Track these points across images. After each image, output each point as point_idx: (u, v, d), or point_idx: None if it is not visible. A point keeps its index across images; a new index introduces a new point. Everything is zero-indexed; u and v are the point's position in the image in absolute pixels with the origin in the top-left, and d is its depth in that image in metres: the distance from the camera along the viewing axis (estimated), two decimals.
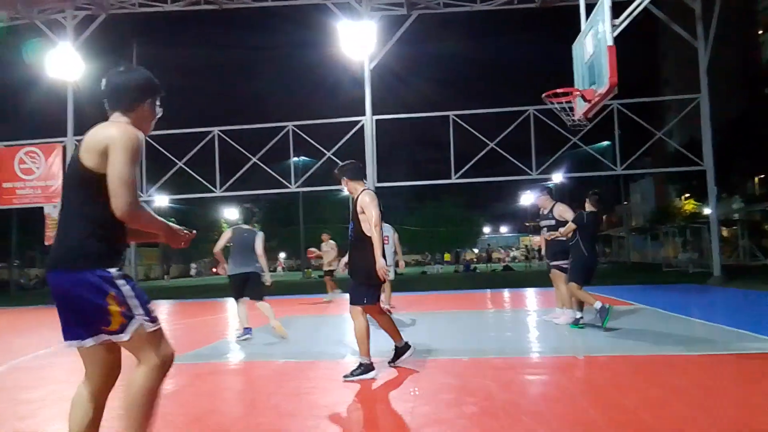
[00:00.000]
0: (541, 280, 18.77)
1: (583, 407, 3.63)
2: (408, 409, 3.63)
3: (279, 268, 56.29)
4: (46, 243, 17.56)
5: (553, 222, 7.46)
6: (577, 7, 8.19)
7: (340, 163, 5.02)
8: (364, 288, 4.67)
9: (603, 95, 6.97)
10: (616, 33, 6.67)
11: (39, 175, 17.23)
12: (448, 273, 34.15)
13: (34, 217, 22.56)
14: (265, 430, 3.32)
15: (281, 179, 17.46)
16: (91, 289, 2.17)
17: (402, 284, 19.31)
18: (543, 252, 8.04)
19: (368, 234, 4.61)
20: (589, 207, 7.00)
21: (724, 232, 31.25)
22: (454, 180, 16.67)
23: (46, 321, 11.55)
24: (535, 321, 8.18)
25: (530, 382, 4.37)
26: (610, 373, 4.64)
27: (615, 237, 52.60)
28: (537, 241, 8.35)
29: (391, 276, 8.79)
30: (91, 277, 2.17)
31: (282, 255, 65.45)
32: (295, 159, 18.40)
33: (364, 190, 4.80)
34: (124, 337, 2.22)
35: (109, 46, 20.10)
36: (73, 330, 2.24)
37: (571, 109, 8.14)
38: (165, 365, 2.34)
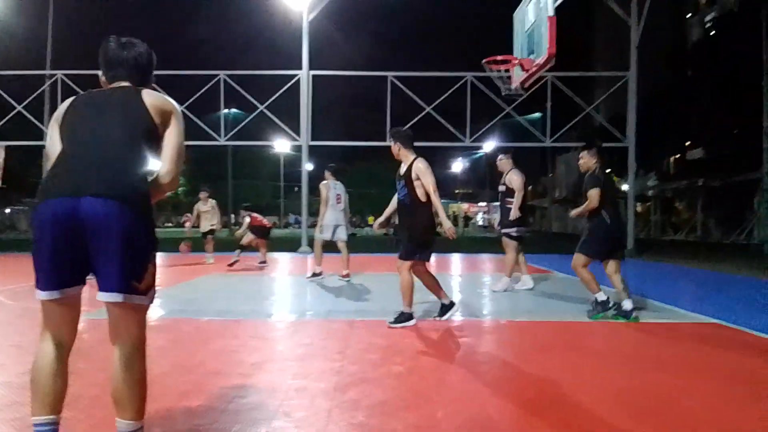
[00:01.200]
0: (466, 245, 19.25)
1: (507, 367, 3.76)
2: (336, 368, 3.63)
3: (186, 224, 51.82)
4: None
5: (503, 188, 7.36)
6: None
7: (394, 128, 5.40)
8: (416, 247, 4.98)
9: (540, 65, 7.07)
10: (557, 3, 6.73)
11: None
12: (378, 236, 34.42)
13: None
14: (190, 388, 3.22)
15: (210, 131, 16.80)
16: (148, 236, 2.04)
17: (332, 245, 19.29)
18: (495, 219, 8.08)
19: (422, 199, 4.95)
20: (593, 162, 5.63)
21: (639, 208, 33.07)
22: (389, 143, 16.61)
23: None
24: (458, 285, 8.38)
25: (455, 344, 4.48)
26: (530, 336, 4.83)
27: (539, 207, 54.59)
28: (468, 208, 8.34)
29: (345, 237, 8.86)
30: (151, 226, 2.06)
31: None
32: (226, 111, 17.72)
33: (417, 157, 5.13)
34: (146, 300, 2.06)
35: None
36: (99, 276, 1.97)
37: (509, 77, 8.21)
38: (145, 341, 2.14)
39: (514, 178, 7.23)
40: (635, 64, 15.91)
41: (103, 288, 1.97)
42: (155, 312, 6.00)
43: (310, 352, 4.08)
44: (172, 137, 2.19)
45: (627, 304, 5.25)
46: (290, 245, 17.25)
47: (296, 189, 49.95)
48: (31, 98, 16.58)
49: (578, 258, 5.50)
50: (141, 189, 2.04)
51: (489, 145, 21.32)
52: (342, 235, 8.78)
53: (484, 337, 4.79)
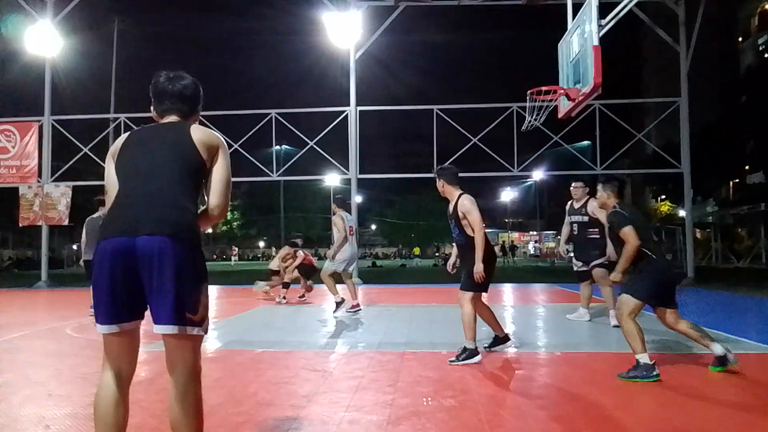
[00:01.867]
0: (517, 277, 18.97)
1: (561, 403, 3.68)
2: (388, 401, 3.64)
3: (233, 258, 50.78)
4: (20, 224, 17.22)
5: (585, 219, 6.91)
6: (565, 5, 8.23)
7: (439, 166, 5.35)
8: (476, 281, 4.84)
9: (587, 95, 7.03)
10: (602, 33, 6.72)
11: (14, 154, 16.85)
12: (427, 267, 34.29)
13: (7, 197, 22.06)
14: (244, 419, 3.30)
15: (263, 167, 17.32)
16: (199, 269, 2.13)
17: (381, 276, 19.39)
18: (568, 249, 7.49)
19: (472, 236, 4.90)
20: (611, 200, 4.79)
21: (698, 235, 31.87)
22: (435, 174, 16.69)
23: (20, 303, 11.36)
24: (511, 316, 8.26)
25: (508, 377, 4.42)
26: (586, 369, 4.71)
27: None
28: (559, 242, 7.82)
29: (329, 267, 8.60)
30: (201, 259, 2.16)
31: (261, 243, 65.11)
32: (277, 147, 18.27)
33: (462, 194, 5.09)
34: (200, 331, 2.14)
35: (88, 23, 19.70)
36: (154, 309, 2.07)
37: (541, 108, 8.13)
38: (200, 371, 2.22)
39: (598, 204, 5.87)
40: (686, 90, 15.59)
41: (158, 321, 2.06)
42: (211, 344, 6.17)
43: (362, 384, 4.11)
44: (219, 171, 2.30)
45: (717, 349, 4.35)
46: (339, 276, 17.39)
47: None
48: (96, 140, 17.52)
49: (626, 302, 4.38)
50: (190, 224, 2.14)
51: (538, 174, 21.11)
52: (353, 268, 8.73)
53: (539, 370, 4.70)
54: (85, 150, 17.22)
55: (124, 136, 2.36)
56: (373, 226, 63.10)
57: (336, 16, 15.75)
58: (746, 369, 4.60)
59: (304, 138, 17.16)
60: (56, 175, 17.27)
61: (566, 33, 8.08)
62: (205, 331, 2.17)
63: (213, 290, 14.62)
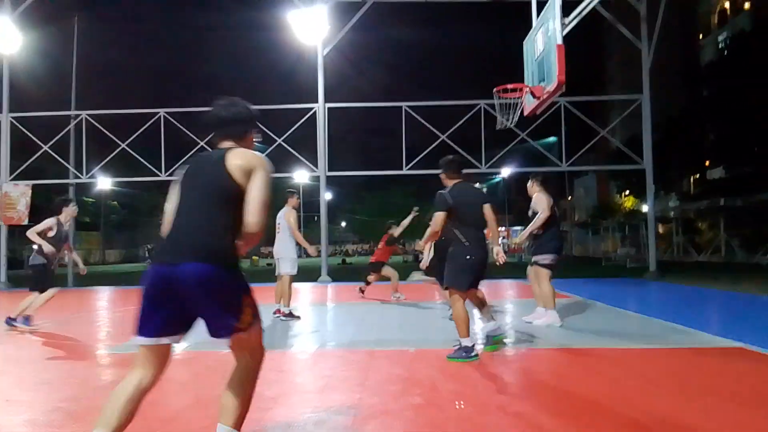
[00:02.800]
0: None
1: (524, 397, 3.74)
2: (355, 400, 3.64)
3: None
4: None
5: (531, 213, 6.98)
6: (529, 3, 8.32)
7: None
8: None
9: (551, 93, 7.12)
10: (565, 32, 6.81)
11: None
12: (397, 262, 34.36)
13: None
14: (209, 423, 3.26)
15: None
16: (239, 285, 2.40)
17: (351, 273, 19.35)
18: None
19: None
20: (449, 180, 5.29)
21: (661, 229, 32.68)
22: (405, 171, 16.73)
23: None
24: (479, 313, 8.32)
25: (473, 373, 4.45)
26: (550, 364, 4.79)
27: None
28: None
29: (290, 270, 7.79)
30: (237, 275, 2.40)
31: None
32: None
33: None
34: (252, 331, 2.45)
35: (48, 19, 19.12)
36: (207, 326, 2.39)
37: (510, 106, 8.22)
38: (263, 360, 2.62)
39: (538, 201, 6.73)
40: (648, 87, 15.92)
41: (212, 335, 2.40)
42: (178, 345, 6.07)
43: (330, 384, 4.10)
44: (253, 190, 2.44)
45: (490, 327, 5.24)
46: (310, 275, 17.30)
47: (315, 218, 50.15)
48: (56, 138, 17.05)
49: (450, 291, 4.93)
50: (226, 248, 2.38)
51: (506, 171, 21.33)
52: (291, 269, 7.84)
53: (505, 366, 4.76)
54: (45, 148, 16.75)
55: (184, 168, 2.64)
56: (343, 223, 62.91)
57: (302, 11, 15.62)
58: (706, 362, 4.74)
59: (272, 135, 16.99)
60: (15, 174, 16.76)
61: (531, 31, 8.17)
62: (256, 330, 2.50)
63: None
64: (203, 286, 2.27)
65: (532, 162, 19.30)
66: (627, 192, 43.68)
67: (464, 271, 4.83)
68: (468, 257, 4.83)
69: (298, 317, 7.81)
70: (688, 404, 3.47)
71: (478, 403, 3.59)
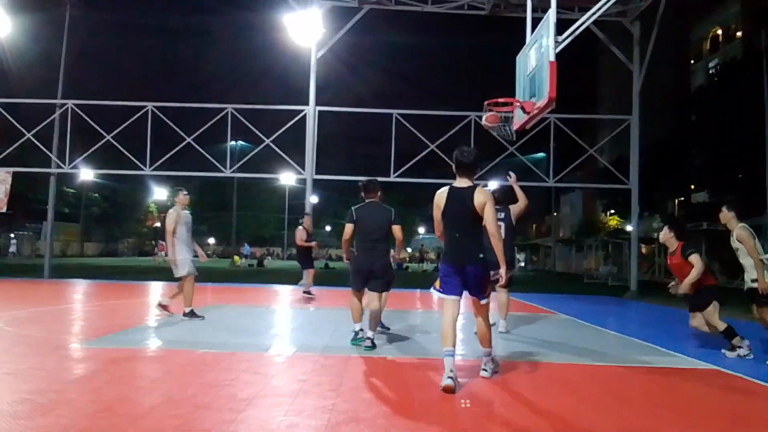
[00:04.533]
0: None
1: (497, 410, 3.72)
2: (328, 405, 3.59)
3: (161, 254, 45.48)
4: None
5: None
6: (524, 19, 8.36)
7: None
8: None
9: (541, 108, 7.14)
10: (558, 49, 6.85)
11: None
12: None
13: None
14: (180, 422, 3.20)
15: (216, 163, 16.95)
16: (487, 273, 4.40)
17: (333, 278, 19.25)
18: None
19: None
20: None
21: (643, 249, 32.93)
22: (392, 178, 16.70)
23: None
24: (461, 325, 8.31)
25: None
26: (525, 378, 4.77)
27: (542, 246, 54.37)
28: None
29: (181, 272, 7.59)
30: (487, 268, 4.37)
31: (211, 240, 63.80)
32: (233, 143, 17.92)
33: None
34: (485, 300, 4.43)
35: (39, 4, 18.85)
36: (473, 292, 4.39)
37: (508, 119, 8.27)
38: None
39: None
40: (637, 109, 16.10)
41: (477, 296, 4.42)
42: (151, 343, 5.99)
43: (304, 389, 4.05)
44: (488, 218, 4.24)
45: (368, 333, 5.72)
46: (292, 278, 17.19)
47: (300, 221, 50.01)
48: (40, 126, 16.82)
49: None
50: (479, 252, 4.30)
51: (492, 184, 21.40)
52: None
53: (481, 379, 4.73)
54: (29, 135, 16.48)
55: (444, 191, 4.37)
56: (328, 228, 62.72)
57: (297, 14, 15.59)
58: (683, 384, 4.76)
59: (261, 135, 16.89)
60: None
61: (524, 46, 8.21)
62: (489, 298, 4.49)
63: (153, 287, 14.28)
64: (472, 275, 4.27)
65: (520, 176, 19.30)
66: (612, 211, 44.06)
67: (352, 273, 5.93)
68: (353, 264, 5.93)
69: (202, 317, 7.62)
70: (662, 424, 3.47)
71: (450, 414, 3.56)
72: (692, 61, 44.46)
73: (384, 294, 5.99)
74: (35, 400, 3.52)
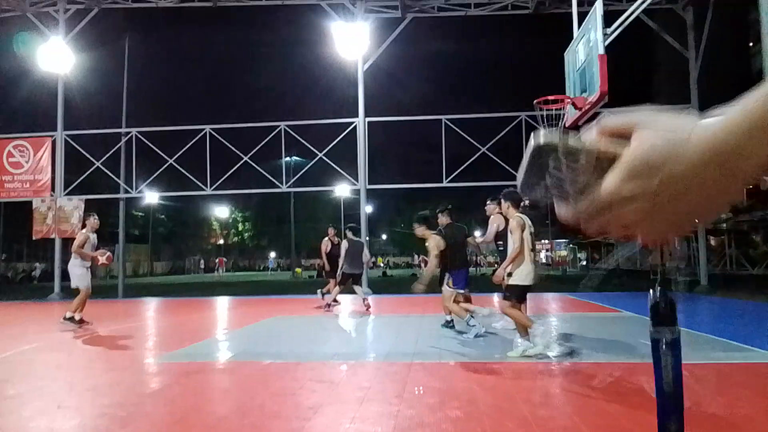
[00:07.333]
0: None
1: (566, 413, 3.66)
2: (393, 412, 3.64)
3: (220, 269, 47.49)
4: (34, 237, 17.42)
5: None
6: (570, 14, 8.25)
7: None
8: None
9: (593, 103, 7.03)
10: (607, 42, 6.73)
11: (27, 169, 17.07)
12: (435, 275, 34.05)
13: (21, 211, 22.33)
14: (250, 430, 3.32)
15: (272, 179, 17.42)
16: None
17: (392, 285, 19.35)
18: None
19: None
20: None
21: (712, 242, 31.49)
22: (445, 184, 16.68)
23: (32, 316, 11.46)
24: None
25: (513, 387, 4.39)
26: (594, 379, 4.68)
27: (604, 243, 52.70)
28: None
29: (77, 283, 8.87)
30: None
31: (272, 254, 65.25)
32: (287, 159, 18.37)
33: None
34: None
35: (100, 40, 19.97)
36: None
37: (559, 117, 8.17)
38: None
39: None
40: (696, 98, 15.50)
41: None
42: (220, 356, 6.21)
43: (368, 395, 4.11)
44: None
45: None
46: (348, 287, 17.37)
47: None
48: (108, 154, 17.74)
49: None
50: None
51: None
52: None
53: (546, 379, 4.68)
54: (98, 164, 17.41)
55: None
56: (384, 236, 63.07)
57: (343, 27, 15.87)
58: (755, 378, 4.56)
59: (313, 149, 17.25)
60: (69, 189, 17.47)
61: (572, 42, 8.10)
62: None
63: (222, 302, 14.70)
64: None
65: None
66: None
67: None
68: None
69: (80, 323, 8.41)
70: (739, 421, 3.34)
71: (519, 417, 3.54)
72: (750, 44, 42.42)
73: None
74: (115, 414, 3.72)
